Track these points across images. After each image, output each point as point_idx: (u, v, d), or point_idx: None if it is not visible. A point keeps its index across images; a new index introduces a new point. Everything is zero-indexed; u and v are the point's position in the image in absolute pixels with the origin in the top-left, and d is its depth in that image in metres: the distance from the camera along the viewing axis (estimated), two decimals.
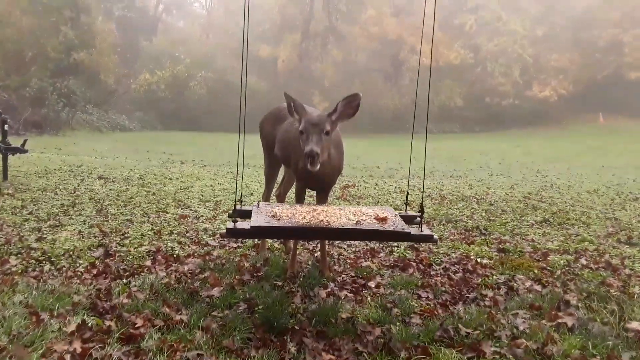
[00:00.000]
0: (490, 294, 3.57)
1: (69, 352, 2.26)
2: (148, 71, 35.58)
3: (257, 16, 39.72)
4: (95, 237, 4.91)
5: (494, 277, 4.03)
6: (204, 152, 17.75)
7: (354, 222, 2.87)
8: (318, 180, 3.69)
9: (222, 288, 3.32)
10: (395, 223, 2.91)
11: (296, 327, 2.85)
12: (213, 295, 3.22)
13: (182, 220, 5.84)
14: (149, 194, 7.81)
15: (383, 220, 2.94)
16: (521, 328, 2.78)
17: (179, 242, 4.82)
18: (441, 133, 33.45)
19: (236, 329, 2.72)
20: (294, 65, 37.74)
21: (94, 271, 3.78)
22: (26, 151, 8.79)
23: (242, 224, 2.86)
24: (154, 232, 5.16)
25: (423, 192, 3.27)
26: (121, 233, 5.11)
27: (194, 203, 7.17)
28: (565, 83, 37.18)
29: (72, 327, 2.54)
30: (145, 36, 39.95)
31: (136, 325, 2.64)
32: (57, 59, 29.07)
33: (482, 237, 5.58)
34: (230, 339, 2.61)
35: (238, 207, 3.23)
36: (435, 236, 2.94)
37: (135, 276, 3.67)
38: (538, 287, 3.74)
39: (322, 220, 2.83)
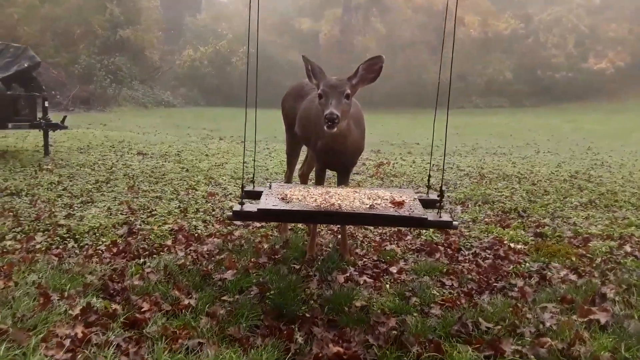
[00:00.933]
0: (520, 283, 3.33)
1: (70, 337, 2.23)
2: (192, 47, 35.92)
3: None
4: (122, 214, 4.95)
5: (527, 264, 3.77)
6: (242, 128, 17.79)
7: (367, 206, 2.69)
8: (337, 160, 3.53)
9: (235, 271, 3.24)
10: (412, 208, 2.72)
11: (307, 315, 2.73)
12: (226, 278, 3.14)
13: (210, 198, 5.82)
14: (183, 171, 7.86)
15: (399, 204, 2.75)
16: (548, 324, 2.55)
17: (204, 221, 4.79)
18: (488, 108, 32.31)
19: (244, 315, 2.63)
20: (335, 39, 37.14)
21: (115, 250, 3.79)
22: (66, 127, 9.02)
23: (250, 207, 2.74)
24: (181, 210, 5.15)
25: (443, 172, 3.02)
26: (148, 210, 5.14)
27: (225, 180, 7.15)
28: (623, 54, 34.95)
29: (77, 309, 2.52)
30: (190, 12, 40.22)
31: (142, 310, 2.60)
32: (104, 36, 29.77)
33: (520, 220, 5.27)
34: (237, 326, 2.52)
35: (249, 188, 3.12)
36: (455, 222, 2.73)
37: (153, 256, 3.65)
38: (574, 277, 3.47)
39: (333, 204, 2.68)
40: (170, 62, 35.88)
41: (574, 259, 3.89)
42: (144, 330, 2.40)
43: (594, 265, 3.75)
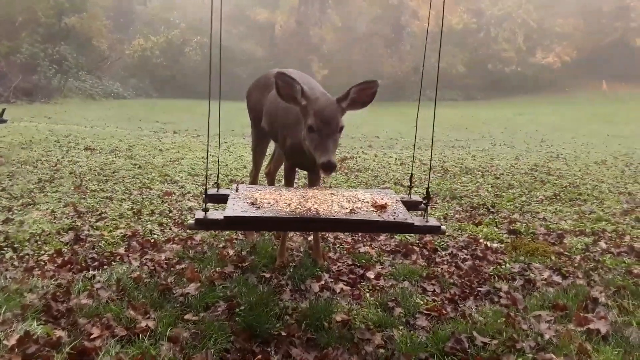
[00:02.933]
0: (504, 287, 3.16)
1: None
2: (142, 36, 34.53)
3: None
4: (68, 217, 4.48)
5: (507, 265, 3.62)
6: (198, 121, 17.18)
7: (348, 210, 2.42)
8: (308, 160, 3.22)
9: (199, 284, 2.90)
10: (396, 211, 2.47)
11: (283, 334, 2.44)
12: (189, 293, 2.80)
13: (166, 197, 5.40)
14: (135, 167, 7.35)
15: (382, 207, 2.49)
16: (547, 336, 2.38)
17: (160, 224, 4.39)
18: (442, 101, 32.64)
19: (211, 338, 2.31)
20: (291, 30, 36.63)
21: (59, 260, 3.36)
22: (5, 121, 8.31)
23: (215, 214, 2.41)
24: (134, 212, 4.73)
25: (430, 174, 2.79)
26: (98, 213, 4.68)
27: (181, 177, 6.71)
28: (570, 49, 36.20)
29: (13, 339, 2.12)
30: (139, 0, 38.66)
31: (92, 336, 2.23)
32: (48, 24, 28.14)
33: (490, 216, 5.15)
34: (203, 352, 2.20)
35: (213, 191, 2.77)
36: (443, 227, 2.50)
37: (105, 267, 3.25)
38: (558, 278, 3.33)
39: (309, 209, 2.38)
40: (120, 52, 34.35)
41: (553, 257, 3.78)
42: None
43: (575, 264, 3.64)
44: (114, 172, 6.81)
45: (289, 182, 3.40)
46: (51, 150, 8.86)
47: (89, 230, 4.08)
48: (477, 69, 36.33)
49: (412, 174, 2.98)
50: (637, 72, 33.55)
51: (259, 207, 2.42)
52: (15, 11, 27.71)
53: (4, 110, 8.40)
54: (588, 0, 36.27)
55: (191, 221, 2.38)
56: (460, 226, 4.69)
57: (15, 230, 4.02)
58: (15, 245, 3.67)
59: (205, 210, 2.41)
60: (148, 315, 2.50)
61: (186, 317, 2.54)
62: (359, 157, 9.56)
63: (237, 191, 2.69)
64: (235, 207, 2.40)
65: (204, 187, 2.62)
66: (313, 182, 3.45)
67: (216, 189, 2.83)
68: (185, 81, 31.60)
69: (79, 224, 4.27)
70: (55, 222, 4.31)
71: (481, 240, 4.23)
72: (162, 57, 33.76)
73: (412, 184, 2.98)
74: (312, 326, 2.55)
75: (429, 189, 2.65)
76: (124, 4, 36.72)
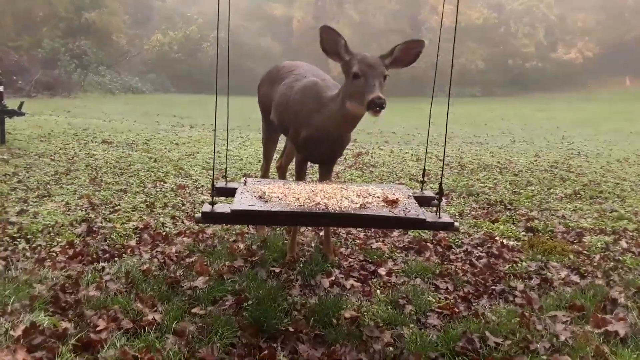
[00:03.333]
0: (520, 286, 3.06)
1: None
2: (160, 32, 34.79)
3: None
4: (82, 209, 4.50)
5: (524, 263, 3.52)
6: (214, 116, 17.22)
7: (358, 205, 2.36)
8: (324, 152, 3.17)
9: (208, 277, 2.87)
10: (407, 207, 2.40)
11: (290, 329, 2.40)
12: (197, 286, 2.77)
13: (179, 191, 5.40)
14: (150, 161, 7.39)
15: (393, 203, 2.43)
16: (562, 337, 2.29)
17: (172, 217, 4.38)
18: (461, 97, 32.34)
19: (218, 332, 2.28)
20: (309, 25, 36.52)
21: (71, 252, 3.37)
22: (23, 114, 8.38)
23: (222, 207, 2.37)
24: (147, 205, 4.73)
25: (443, 170, 2.71)
26: (111, 205, 4.70)
27: (196, 171, 6.73)
28: (592, 45, 35.50)
29: (19, 330, 2.12)
30: None
31: (98, 328, 2.22)
32: (68, 19, 28.51)
33: (507, 214, 5.04)
34: (209, 346, 2.17)
35: (221, 184, 2.74)
36: (456, 223, 2.43)
37: (114, 260, 3.24)
38: (576, 278, 3.23)
39: (318, 203, 2.33)
40: (139, 47, 34.67)
41: (571, 256, 3.66)
42: (98, 355, 2.02)
43: (594, 264, 3.53)
44: (129, 166, 6.84)
45: (300, 177, 3.35)
46: (69, 143, 8.95)
47: (101, 222, 4.09)
48: (497, 64, 35.85)
49: (424, 169, 2.91)
50: None
51: (266, 201, 2.38)
52: (37, 6, 28.11)
53: (22, 103, 8.48)
54: None
55: (198, 214, 2.34)
56: (476, 223, 4.59)
57: (29, 221, 4.04)
58: (28, 237, 3.69)
59: (213, 203, 2.37)
60: (155, 308, 2.48)
61: (193, 310, 2.52)
62: (375, 152, 9.48)
63: (245, 185, 2.65)
64: (243, 201, 2.36)
65: (212, 180, 2.58)
66: (324, 175, 3.39)
67: (224, 183, 2.80)
68: (202, 76, 31.75)
69: (92, 216, 4.28)
70: (69, 214, 4.33)
71: (497, 238, 4.13)
72: (180, 52, 33.98)
73: (425, 180, 2.91)
74: (321, 322, 2.50)
75: (442, 185, 2.56)
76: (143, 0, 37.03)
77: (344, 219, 2.38)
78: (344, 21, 36.61)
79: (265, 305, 2.55)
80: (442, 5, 3.04)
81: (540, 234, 4.30)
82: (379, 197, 2.53)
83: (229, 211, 2.27)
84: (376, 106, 2.49)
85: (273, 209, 2.29)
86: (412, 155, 9.27)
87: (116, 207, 4.62)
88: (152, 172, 6.46)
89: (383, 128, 15.14)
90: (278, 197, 2.42)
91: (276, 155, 4.37)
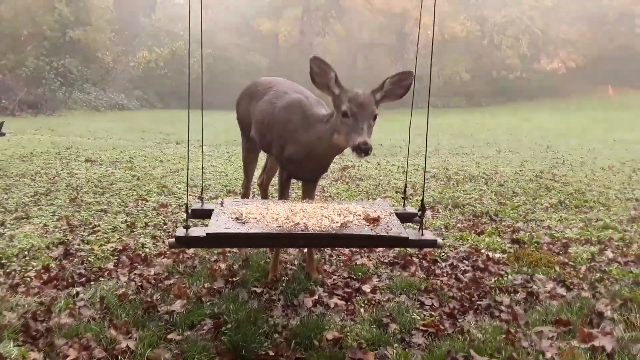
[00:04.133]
0: (506, 300, 3.02)
1: None
2: (146, 48, 34.73)
3: None
4: (60, 231, 4.39)
5: (509, 276, 3.48)
6: (200, 132, 17.13)
7: (338, 224, 2.30)
8: (307, 170, 3.12)
9: (186, 301, 2.79)
10: (389, 225, 2.35)
11: (270, 353, 2.32)
12: (174, 310, 2.68)
13: (161, 209, 5.31)
14: (134, 179, 7.28)
15: (374, 221, 2.38)
16: (549, 354, 2.24)
17: (153, 237, 4.29)
18: (446, 108, 32.61)
19: (194, 359, 2.19)
20: (295, 40, 36.76)
21: (46, 277, 3.26)
22: (3, 134, 8.27)
23: (197, 230, 2.30)
24: (127, 225, 4.63)
25: (424, 186, 2.65)
26: (91, 226, 4.59)
27: (179, 189, 6.63)
28: (574, 55, 36.07)
29: None
30: (144, 12, 38.95)
31: (68, 358, 2.12)
32: (53, 37, 28.36)
33: (493, 225, 5.02)
34: None
35: (197, 206, 2.67)
36: (440, 241, 2.38)
37: (91, 283, 3.15)
38: (562, 291, 3.19)
39: (297, 223, 2.27)
40: (124, 64, 34.57)
41: (557, 268, 3.63)
42: None
43: (580, 275, 3.50)
44: (111, 184, 6.74)
45: (284, 194, 3.29)
46: (51, 163, 8.82)
47: (79, 245, 3.99)
48: (482, 75, 36.26)
49: (406, 185, 2.87)
50: None
51: (244, 223, 2.31)
52: (21, 25, 27.96)
53: (2, 123, 8.40)
54: (592, 7, 36.13)
55: (172, 239, 2.27)
56: (462, 236, 4.56)
57: (4, 245, 3.93)
58: (2, 261, 3.58)
59: (187, 227, 2.30)
60: (130, 335, 2.39)
61: (169, 336, 2.43)
62: (361, 165, 9.45)
63: (222, 206, 2.58)
64: (219, 223, 2.29)
65: (186, 203, 2.51)
66: (308, 192, 3.34)
67: (200, 204, 2.73)
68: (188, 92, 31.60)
69: (70, 238, 4.17)
70: (46, 236, 4.22)
71: (483, 251, 4.09)
72: (166, 68, 33.90)
73: (406, 196, 2.87)
74: (302, 345, 2.43)
75: (424, 201, 2.52)
76: (129, 16, 36.99)
77: (324, 239, 2.33)
78: (330, 35, 36.90)
79: (245, 329, 2.47)
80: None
81: (526, 246, 4.27)
82: (360, 216, 2.48)
83: (204, 234, 2.20)
84: (361, 152, 2.45)
85: (250, 231, 2.22)
86: (398, 167, 9.26)
87: (95, 228, 4.52)
88: (134, 190, 6.36)
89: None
90: (256, 218, 2.36)
91: (258, 172, 4.32)
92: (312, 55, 2.70)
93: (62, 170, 8.01)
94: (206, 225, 2.37)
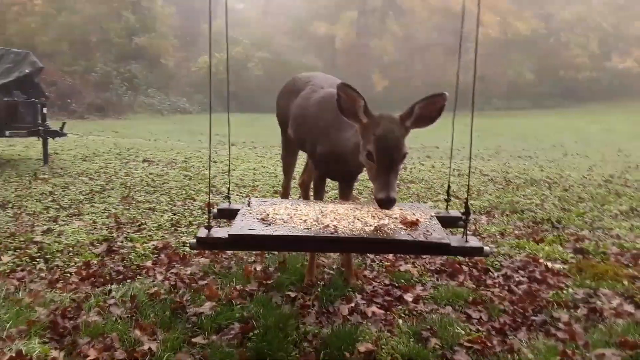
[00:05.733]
0: (564, 316, 2.71)
1: None
2: (206, 53, 35.73)
3: None
4: (107, 228, 4.46)
5: (570, 290, 3.15)
6: (257, 134, 17.35)
7: (372, 227, 2.11)
8: (340, 170, 2.94)
9: (215, 302, 2.69)
10: (429, 229, 2.14)
11: None
12: (202, 312, 2.59)
13: (207, 209, 5.29)
14: (185, 179, 7.38)
15: (413, 224, 2.17)
16: None
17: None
18: (509, 109, 31.32)
19: None
20: (351, 42, 36.57)
21: (85, 273, 3.27)
22: (65, 134, 8.64)
23: (219, 231, 2.18)
24: (172, 224, 4.64)
25: (469, 186, 2.40)
26: (137, 224, 4.64)
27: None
28: None
29: (5, 359, 1.99)
30: (205, 19, 40.12)
31: (88, 358, 2.06)
32: (120, 44, 29.80)
33: (555, 233, 4.62)
34: None
35: (224, 205, 2.56)
36: (487, 248, 2.13)
37: (127, 281, 3.12)
38: (630, 308, 2.84)
39: (327, 226, 2.10)
40: (186, 69, 35.75)
41: (625, 282, 3.25)
42: None
43: None
44: (163, 184, 6.85)
45: (318, 194, 3.13)
46: (111, 163, 9.13)
47: (122, 242, 4.01)
48: (548, 76, 34.56)
49: (449, 185, 2.63)
50: None
51: (270, 224, 2.16)
52: (90, 32, 29.55)
53: (64, 124, 8.76)
54: None
55: (192, 240, 2.17)
56: (519, 244, 4.21)
57: (52, 240, 4.02)
58: (47, 256, 3.65)
59: (209, 227, 2.19)
60: (154, 337, 2.31)
61: (194, 339, 2.33)
62: (414, 167, 9.15)
63: (249, 205, 2.45)
64: (243, 224, 2.16)
65: (208, 202, 2.40)
66: (345, 193, 3.16)
67: (227, 204, 2.62)
68: (248, 95, 32.30)
69: (115, 235, 4.22)
70: (93, 233, 4.29)
71: (541, 261, 3.75)
72: (225, 73, 34.72)
73: (450, 197, 2.62)
74: (332, 356, 2.26)
75: (468, 202, 2.28)
76: (191, 22, 38.22)
77: (355, 244, 2.13)
78: (387, 36, 36.44)
79: (272, 335, 2.33)
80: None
81: (591, 256, 3.88)
82: (396, 219, 2.28)
83: (227, 236, 2.08)
84: (383, 206, 2.18)
85: (275, 233, 2.08)
86: (454, 170, 8.87)
87: (141, 226, 4.55)
88: (184, 190, 6.43)
89: (425, 142, 14.73)
90: (283, 219, 2.21)
91: (298, 172, 4.19)
92: (340, 82, 2.40)
93: (120, 169, 8.26)
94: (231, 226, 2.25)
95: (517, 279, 3.38)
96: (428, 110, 2.39)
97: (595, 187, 7.26)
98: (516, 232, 4.70)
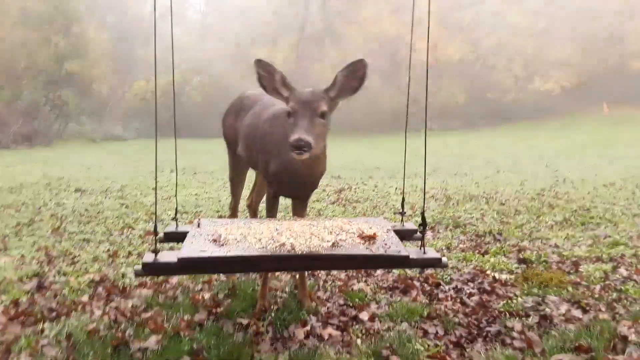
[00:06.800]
0: (517, 325, 2.74)
1: None
2: (143, 79, 34.90)
3: (252, 19, 39.15)
4: (38, 262, 4.12)
5: (519, 299, 3.21)
6: (197, 159, 16.97)
7: (330, 243, 2.05)
8: (293, 186, 2.87)
9: (161, 336, 2.50)
10: (387, 242, 2.10)
11: None
12: (147, 347, 2.40)
13: (147, 237, 5.04)
14: (122, 207, 7.03)
15: (370, 238, 2.13)
16: None
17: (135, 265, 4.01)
18: (443, 130, 32.58)
19: None
20: (291, 67, 36.95)
21: (13, 312, 2.98)
22: None
23: (167, 255, 2.04)
24: (109, 255, 4.36)
25: (424, 199, 2.41)
26: (71, 257, 4.32)
27: (169, 215, 6.38)
28: (568, 75, 36.25)
29: None
30: (140, 44, 39.27)
31: None
32: (50, 70, 28.44)
33: (497, 245, 4.75)
34: None
35: (171, 228, 2.41)
36: (444, 259, 2.12)
37: (61, 319, 2.86)
38: (578, 313, 2.92)
39: (283, 244, 2.02)
40: (120, 95, 34.69)
41: (570, 288, 3.36)
42: None
43: (596, 296, 3.23)
44: (98, 213, 6.48)
45: (271, 213, 3.03)
46: (40, 193, 8.58)
47: (55, 277, 3.71)
48: (477, 98, 36.38)
49: (403, 198, 2.62)
50: (636, 96, 33.43)
51: (222, 245, 2.05)
52: (17, 59, 28.07)
53: None
54: (582, 28, 36.52)
55: (137, 266, 2.01)
56: (465, 257, 4.29)
57: None
58: None
59: (156, 251, 2.04)
60: None
61: None
62: (358, 187, 9.22)
63: (199, 227, 2.32)
64: (194, 246, 2.03)
65: (155, 223, 2.24)
66: (298, 211, 3.09)
67: (175, 226, 2.47)
68: (186, 121, 31.65)
69: (47, 269, 3.90)
70: (21, 268, 3.94)
71: (488, 272, 3.82)
72: (163, 97, 33.87)
73: (408, 212, 2.61)
74: None
75: (424, 214, 2.27)
76: (125, 48, 37.31)
77: (314, 261, 2.06)
78: (326, 62, 37.14)
79: None
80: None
81: (534, 265, 4.00)
82: (353, 233, 2.23)
83: (176, 260, 1.94)
84: (294, 149, 2.24)
85: (229, 254, 1.96)
86: (396, 189, 9.02)
87: (75, 259, 4.25)
88: (121, 218, 6.11)
89: (367, 163, 14.97)
90: (236, 239, 2.10)
91: (246, 193, 4.07)
92: (255, 58, 2.58)
93: (49, 200, 7.76)
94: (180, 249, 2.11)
95: (467, 291, 3.41)
96: (350, 79, 2.53)
97: (529, 200, 7.58)
98: (461, 245, 4.79)
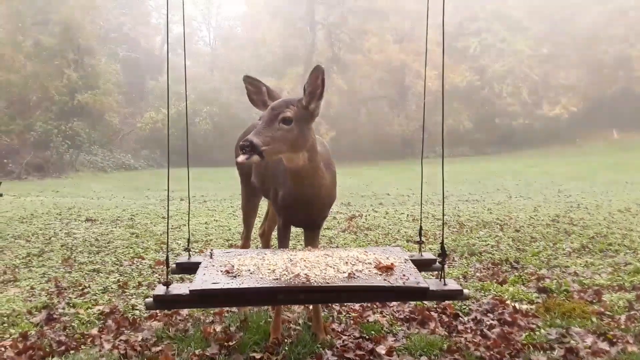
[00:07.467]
0: (542, 359, 2.62)
1: None
2: (153, 109, 35.36)
3: (259, 50, 39.86)
4: (47, 294, 4.06)
5: (542, 330, 3.09)
6: (207, 188, 17.00)
7: (346, 274, 1.98)
8: (305, 214, 2.82)
9: None
10: (405, 273, 2.03)
11: None
12: None
13: (157, 267, 4.98)
14: (132, 237, 6.99)
15: (388, 269, 2.05)
16: None
17: (145, 297, 3.93)
18: (451, 157, 32.54)
19: None
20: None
21: (22, 345, 2.91)
22: (0, 195, 8.08)
23: (179, 288, 1.98)
24: (119, 285, 4.29)
25: (443, 228, 2.35)
26: (80, 288, 4.26)
27: (179, 245, 6.33)
28: (575, 100, 36.29)
29: None
30: (152, 75, 39.96)
31: None
32: (62, 102, 28.91)
33: (515, 273, 4.63)
34: None
35: (183, 259, 2.36)
36: (466, 291, 2.04)
37: (70, 352, 2.79)
38: (604, 345, 2.80)
39: (298, 275, 1.95)
40: (132, 125, 35.11)
41: (594, 319, 3.24)
42: None
43: (622, 327, 3.10)
44: (108, 243, 6.45)
45: (283, 243, 2.97)
46: (50, 223, 8.57)
47: (64, 308, 3.65)
48: (485, 124, 36.45)
49: (421, 227, 2.55)
50: None
51: (235, 276, 1.98)
52: (30, 91, 28.62)
53: None
54: (589, 53, 36.72)
55: (149, 299, 1.95)
56: (483, 286, 4.18)
57: None
58: None
59: (167, 284, 1.98)
60: None
61: None
62: (369, 215, 9.13)
63: (211, 257, 2.26)
64: (206, 278, 1.97)
65: (167, 254, 2.19)
66: (310, 241, 3.03)
67: (187, 257, 2.42)
68: (196, 150, 31.92)
69: (56, 301, 3.84)
70: (30, 300, 3.89)
71: (508, 302, 3.71)
72: (173, 127, 34.34)
73: (422, 239, 2.54)
74: None
75: (444, 244, 2.20)
76: (137, 79, 37.98)
77: (330, 293, 1.99)
78: (333, 90, 37.52)
79: None
80: (426, 70, 2.93)
81: (555, 295, 3.88)
82: (370, 264, 2.16)
83: (188, 292, 1.88)
84: (241, 149, 2.29)
85: (242, 286, 1.90)
86: (407, 215, 8.92)
87: (85, 290, 4.19)
88: (131, 248, 6.06)
89: (376, 190, 14.89)
90: (250, 270, 2.04)
91: (258, 223, 4.02)
92: (244, 75, 2.71)
93: (60, 230, 7.75)
94: (192, 281, 2.05)
95: (487, 323, 3.29)
96: (313, 85, 2.64)
97: (544, 227, 7.45)
98: (477, 274, 4.68)
